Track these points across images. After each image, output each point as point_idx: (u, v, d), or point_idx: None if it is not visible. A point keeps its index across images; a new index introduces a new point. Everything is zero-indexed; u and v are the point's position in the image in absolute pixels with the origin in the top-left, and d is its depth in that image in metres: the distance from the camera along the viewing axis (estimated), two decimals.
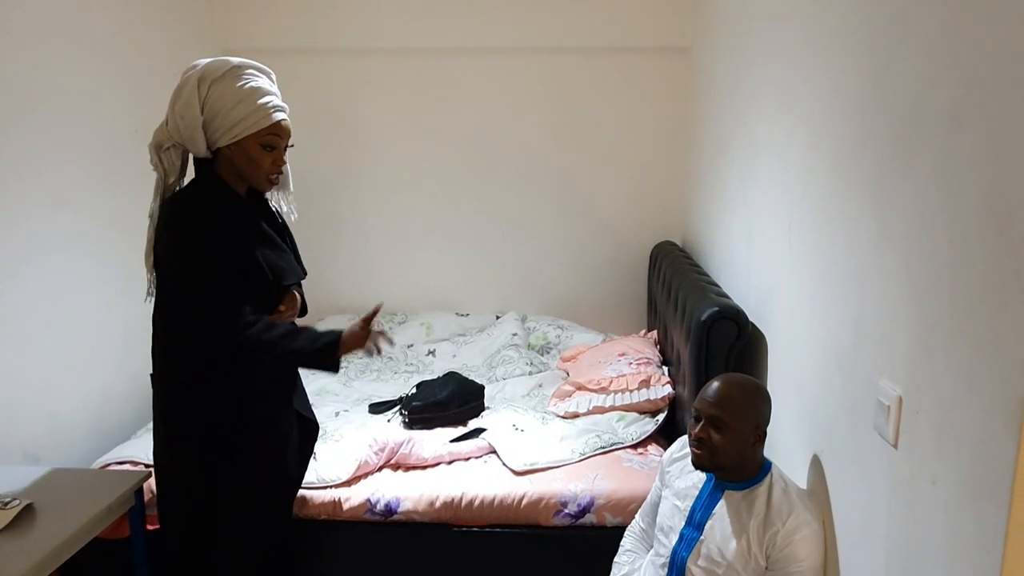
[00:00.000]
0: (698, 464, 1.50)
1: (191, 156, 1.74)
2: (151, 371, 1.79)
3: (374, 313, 1.80)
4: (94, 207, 2.49)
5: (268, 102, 1.67)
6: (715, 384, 1.50)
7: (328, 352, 1.71)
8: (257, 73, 1.71)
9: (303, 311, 1.90)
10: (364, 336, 1.75)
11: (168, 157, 1.68)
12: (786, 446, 1.72)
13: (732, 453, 1.46)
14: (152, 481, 2.02)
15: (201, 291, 1.62)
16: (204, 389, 1.72)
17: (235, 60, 1.68)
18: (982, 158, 0.95)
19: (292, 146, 1.77)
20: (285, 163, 1.76)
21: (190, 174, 1.78)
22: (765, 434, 1.49)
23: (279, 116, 1.69)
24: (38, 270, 2.24)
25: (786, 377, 1.81)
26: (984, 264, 0.95)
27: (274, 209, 1.90)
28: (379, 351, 1.80)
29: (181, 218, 1.64)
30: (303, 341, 1.70)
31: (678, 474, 1.64)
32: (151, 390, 1.80)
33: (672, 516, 1.59)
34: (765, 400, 1.51)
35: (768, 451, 1.55)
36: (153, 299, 1.76)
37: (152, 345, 1.77)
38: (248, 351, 1.65)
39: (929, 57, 1.09)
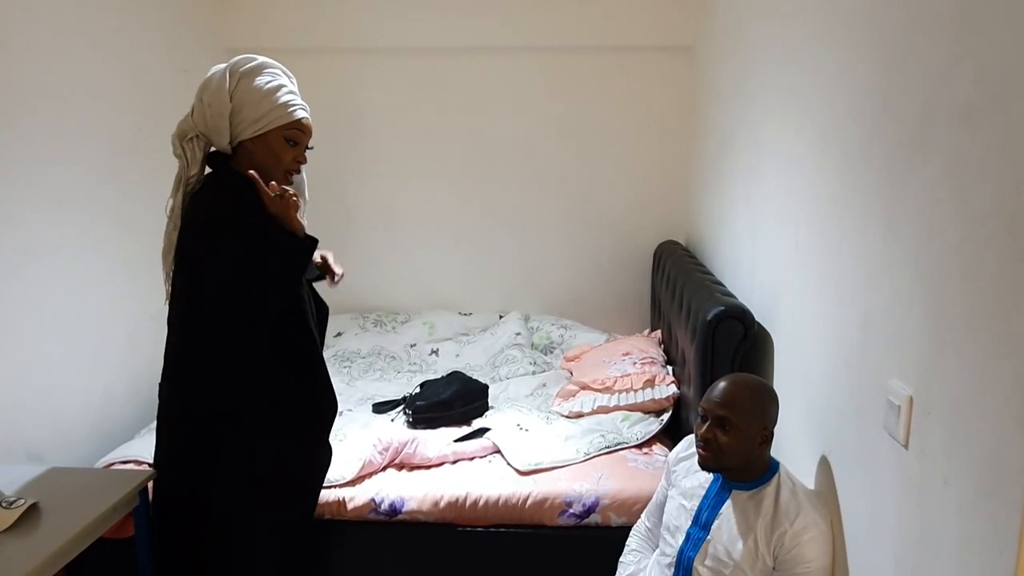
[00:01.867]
0: (704, 465, 1.50)
1: (206, 158, 1.75)
2: (160, 380, 1.78)
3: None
4: (97, 206, 2.48)
5: (293, 99, 1.71)
6: (722, 384, 1.50)
7: (296, 250, 1.68)
8: (282, 73, 1.75)
9: (325, 311, 1.96)
10: (279, 201, 1.66)
11: (191, 148, 1.69)
12: (793, 446, 1.72)
13: (738, 454, 1.45)
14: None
15: (232, 276, 1.61)
16: (223, 392, 1.71)
17: (263, 58, 1.72)
18: (995, 156, 0.95)
19: (312, 148, 1.79)
20: (306, 161, 1.78)
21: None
22: (772, 435, 1.48)
23: (303, 114, 1.72)
24: (41, 269, 2.23)
25: (793, 377, 1.80)
26: (997, 263, 0.94)
27: None
28: (290, 196, 1.68)
29: (209, 211, 1.64)
30: (278, 265, 1.66)
31: (684, 473, 1.63)
32: (155, 388, 1.80)
33: (678, 516, 1.59)
34: (773, 401, 1.50)
35: (775, 451, 1.54)
36: (168, 302, 1.74)
37: (167, 348, 1.75)
38: (266, 313, 1.65)
39: (941, 54, 1.08)
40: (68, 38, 2.36)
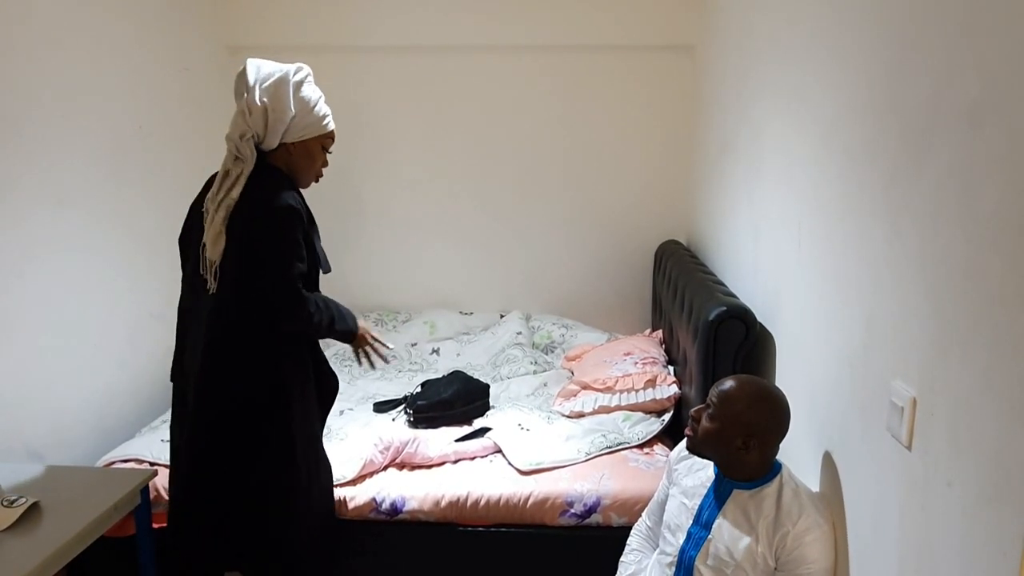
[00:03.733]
0: (687, 444, 1.55)
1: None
2: (175, 375, 1.87)
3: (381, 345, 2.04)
4: (98, 204, 2.48)
5: (328, 111, 1.86)
6: (731, 381, 1.51)
7: (351, 327, 1.93)
8: (313, 79, 1.87)
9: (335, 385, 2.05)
10: (363, 341, 1.97)
11: (247, 147, 1.76)
12: (796, 447, 1.71)
13: (712, 446, 1.48)
14: (157, 480, 2.03)
15: (287, 272, 1.71)
16: (251, 385, 1.77)
17: (307, 66, 1.84)
18: (1001, 156, 0.94)
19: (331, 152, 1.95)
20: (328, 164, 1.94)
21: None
22: (763, 445, 1.46)
23: (334, 124, 1.89)
24: (42, 268, 2.23)
25: (795, 377, 1.80)
26: (1002, 264, 0.94)
27: None
28: (366, 360, 2.03)
29: (274, 207, 1.73)
30: (337, 324, 1.87)
31: (686, 472, 1.63)
32: (156, 387, 1.83)
33: (680, 515, 1.59)
34: (771, 415, 1.47)
35: (778, 452, 1.54)
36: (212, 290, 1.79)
37: (208, 341, 1.77)
38: (309, 317, 1.76)
39: (946, 53, 1.08)
40: (69, 36, 2.35)
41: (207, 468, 1.79)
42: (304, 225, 1.77)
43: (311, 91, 1.82)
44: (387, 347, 2.03)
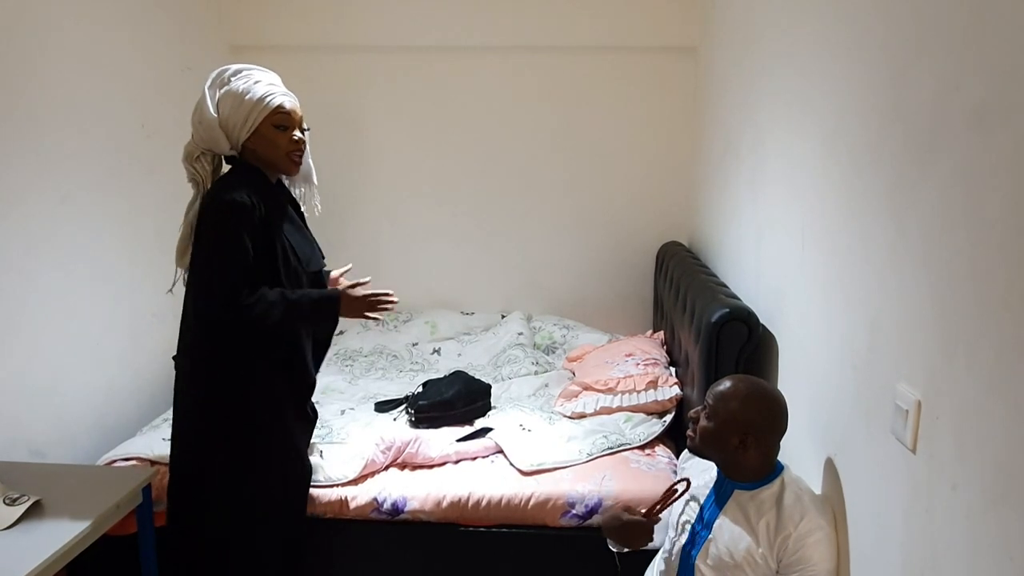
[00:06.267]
0: (688, 445, 1.57)
1: (223, 162, 1.91)
2: (175, 354, 1.92)
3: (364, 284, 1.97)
4: (100, 203, 2.48)
5: (269, 90, 1.83)
6: (726, 381, 1.52)
7: (327, 307, 1.86)
8: (256, 71, 1.88)
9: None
10: (362, 305, 1.90)
11: (200, 166, 1.84)
12: (799, 450, 1.71)
13: (710, 445, 1.49)
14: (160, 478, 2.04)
15: (215, 272, 1.73)
16: (228, 378, 1.83)
17: (235, 64, 1.87)
18: (1006, 160, 0.94)
19: (308, 129, 1.92)
20: (304, 142, 1.90)
21: None
22: (760, 443, 1.46)
23: (281, 99, 1.84)
24: (44, 266, 2.23)
25: (798, 379, 1.80)
26: (1007, 267, 0.93)
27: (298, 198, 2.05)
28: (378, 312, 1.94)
29: (217, 202, 1.76)
30: (304, 302, 1.82)
31: (693, 472, 1.64)
32: (158, 385, 1.86)
33: (684, 513, 1.59)
34: (767, 413, 1.48)
35: (780, 454, 1.54)
36: (180, 288, 1.91)
37: (180, 336, 1.89)
38: (251, 320, 1.73)
39: (951, 56, 1.08)
40: (71, 36, 2.35)
41: (181, 453, 1.91)
42: (253, 219, 1.74)
43: (239, 83, 1.81)
44: (387, 297, 1.95)
